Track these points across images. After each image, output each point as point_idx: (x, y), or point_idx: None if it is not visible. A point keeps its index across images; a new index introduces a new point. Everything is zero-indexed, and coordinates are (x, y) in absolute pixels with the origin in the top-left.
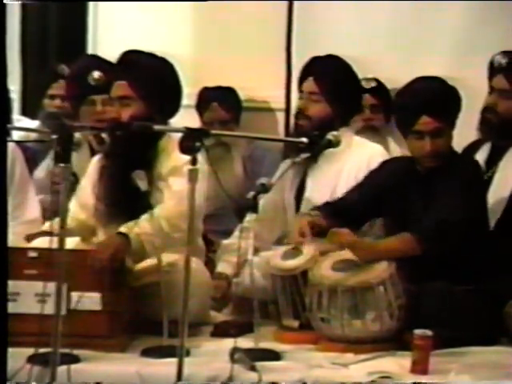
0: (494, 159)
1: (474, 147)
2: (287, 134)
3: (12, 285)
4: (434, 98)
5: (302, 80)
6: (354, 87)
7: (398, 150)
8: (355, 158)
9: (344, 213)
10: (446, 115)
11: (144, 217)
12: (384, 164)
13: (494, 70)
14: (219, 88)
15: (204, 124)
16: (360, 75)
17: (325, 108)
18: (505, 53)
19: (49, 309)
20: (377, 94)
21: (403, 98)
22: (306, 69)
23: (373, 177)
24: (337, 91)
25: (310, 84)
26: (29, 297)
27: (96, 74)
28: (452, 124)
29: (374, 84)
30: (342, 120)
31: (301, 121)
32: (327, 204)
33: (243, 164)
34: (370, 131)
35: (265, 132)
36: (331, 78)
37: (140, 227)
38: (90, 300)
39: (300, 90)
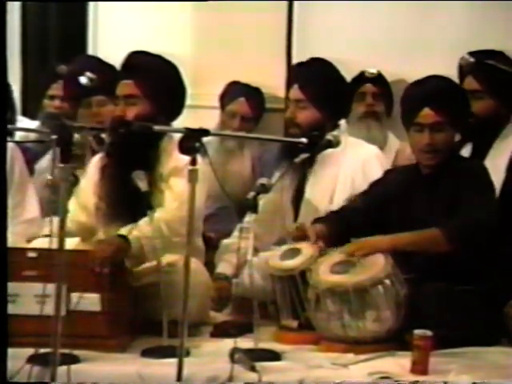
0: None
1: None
2: (287, 134)
3: (11, 286)
4: (437, 92)
5: (289, 87)
6: (341, 88)
7: (397, 142)
8: (350, 160)
9: (347, 223)
10: (448, 111)
11: (144, 220)
12: (387, 174)
13: (463, 72)
14: (249, 86)
15: (223, 115)
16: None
17: (313, 114)
18: (472, 53)
19: (48, 310)
20: (378, 83)
21: (409, 92)
22: (290, 76)
23: (376, 187)
24: (323, 96)
25: (295, 92)
26: (28, 298)
27: (87, 75)
28: (456, 123)
29: (374, 73)
30: (333, 123)
31: (291, 129)
32: (331, 213)
33: (252, 164)
34: (372, 117)
35: (264, 132)
36: (316, 83)
37: (140, 230)
38: (89, 301)
39: (287, 98)
